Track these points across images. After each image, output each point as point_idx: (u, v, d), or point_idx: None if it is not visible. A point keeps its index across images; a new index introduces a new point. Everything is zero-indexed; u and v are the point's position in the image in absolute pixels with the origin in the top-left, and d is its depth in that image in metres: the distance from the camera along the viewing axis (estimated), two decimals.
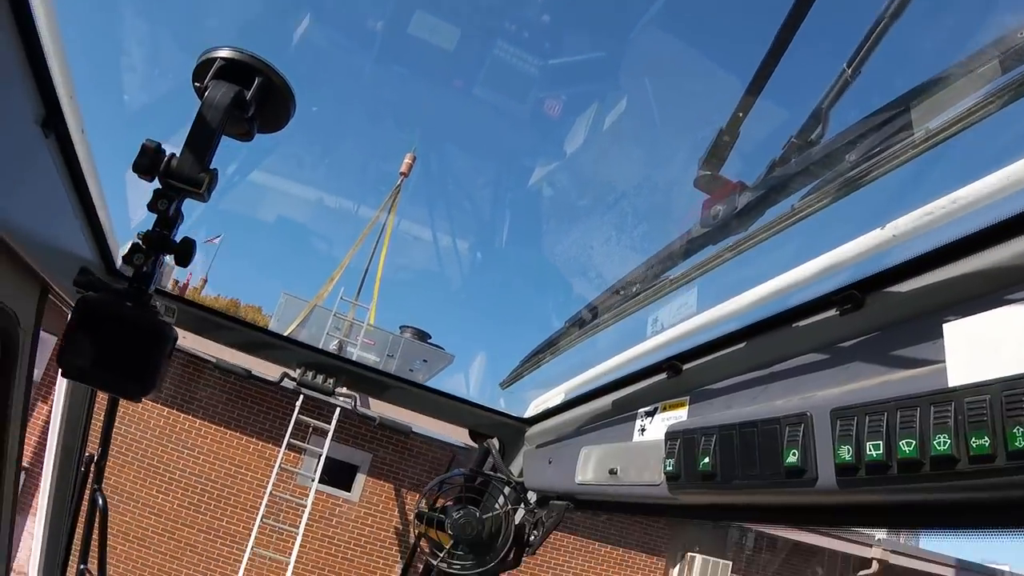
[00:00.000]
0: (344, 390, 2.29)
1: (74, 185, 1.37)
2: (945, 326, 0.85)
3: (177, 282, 12.00)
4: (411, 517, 2.20)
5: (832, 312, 1.05)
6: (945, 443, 0.77)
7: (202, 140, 1.01)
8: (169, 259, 1.08)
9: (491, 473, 2.24)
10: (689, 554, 10.05)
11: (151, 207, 1.04)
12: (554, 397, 2.03)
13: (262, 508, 8.30)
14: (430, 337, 10.07)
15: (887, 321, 0.99)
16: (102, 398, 2.26)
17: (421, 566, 2.40)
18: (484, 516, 2.06)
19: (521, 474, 2.19)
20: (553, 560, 9.55)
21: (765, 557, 10.71)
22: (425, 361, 9.61)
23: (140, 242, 1.06)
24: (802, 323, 1.12)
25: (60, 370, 1.05)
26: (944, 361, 0.83)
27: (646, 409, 1.53)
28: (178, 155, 1.01)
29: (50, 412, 2.29)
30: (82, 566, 2.41)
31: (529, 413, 2.19)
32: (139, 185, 1.05)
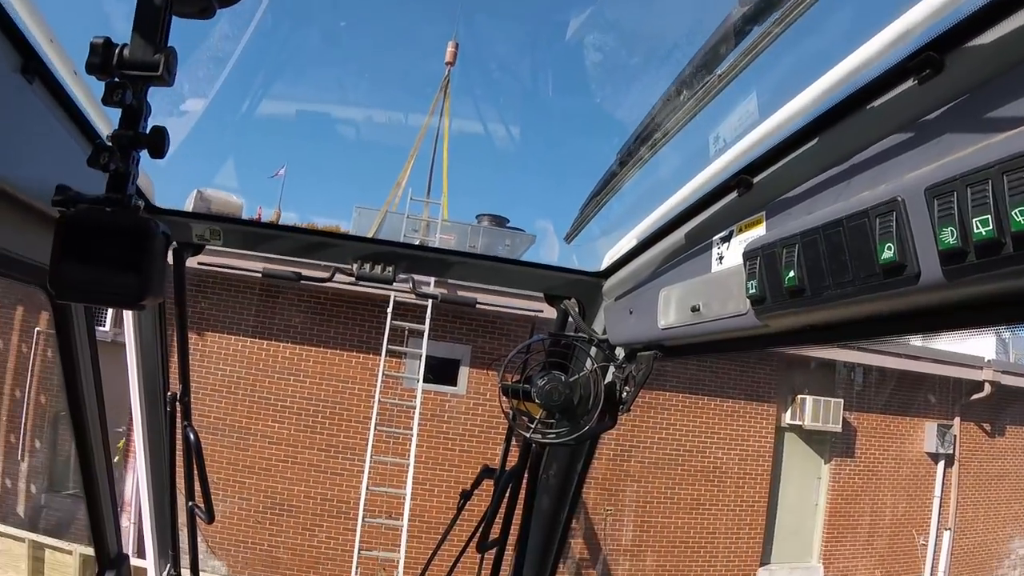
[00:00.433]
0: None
1: (77, 126, 1.35)
2: None
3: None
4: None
5: (910, 83, 0.91)
6: None
7: (149, 19, 0.94)
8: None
9: (573, 334, 2.14)
10: (799, 396, 9.98)
11: (106, 101, 0.97)
12: (625, 244, 1.91)
13: (374, 417, 8.51)
14: (508, 221, 10.07)
15: (973, 81, 0.85)
16: (172, 336, 2.27)
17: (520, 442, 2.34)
18: (571, 380, 1.96)
19: (604, 331, 2.08)
20: (658, 420, 9.60)
21: (875, 391, 10.57)
22: (507, 245, 9.63)
23: (106, 141, 1.00)
24: (877, 103, 0.98)
25: (54, 295, 1.01)
26: None
27: (721, 235, 1.40)
28: (128, 44, 0.95)
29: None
30: (190, 503, 2.45)
31: (603, 266, 2.07)
32: None
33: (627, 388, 1.92)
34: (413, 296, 8.45)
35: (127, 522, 8.51)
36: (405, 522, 8.30)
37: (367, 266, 2.03)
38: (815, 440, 10.35)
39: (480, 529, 2.40)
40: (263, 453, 8.97)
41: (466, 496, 2.45)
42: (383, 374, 8.65)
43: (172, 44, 0.96)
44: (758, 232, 1.25)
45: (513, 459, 2.43)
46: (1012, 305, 0.79)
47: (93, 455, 2.06)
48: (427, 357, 8.64)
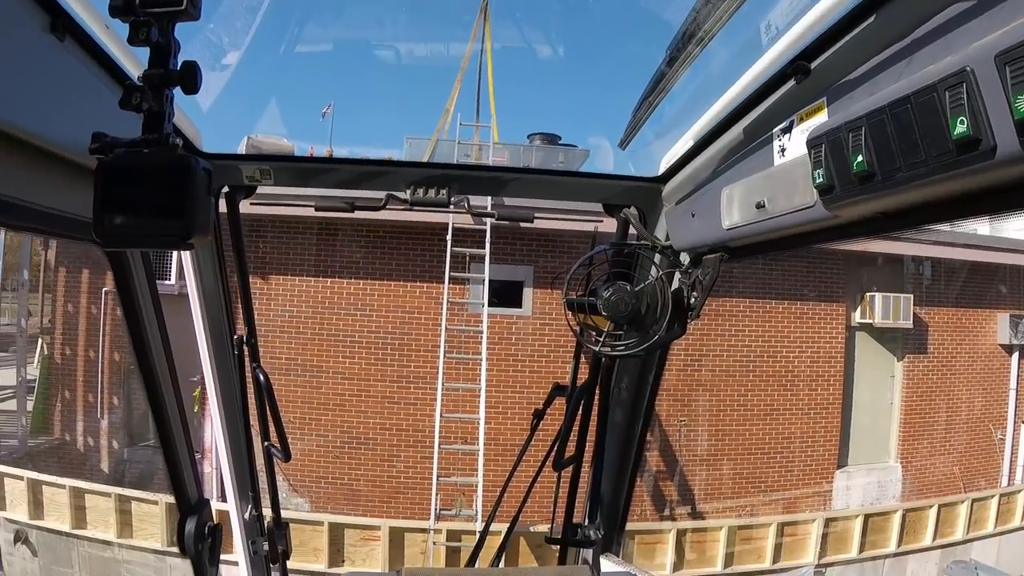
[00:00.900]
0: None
1: (114, 78, 1.31)
2: None
3: None
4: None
5: None
6: None
7: None
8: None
9: (635, 243, 2.05)
10: (868, 294, 9.81)
11: (132, 40, 0.95)
12: (682, 146, 1.82)
13: (442, 345, 8.60)
14: (560, 138, 9.94)
15: None
16: (233, 281, 2.26)
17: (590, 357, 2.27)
18: (636, 289, 1.88)
19: (667, 238, 2.00)
20: (727, 327, 9.53)
21: (944, 284, 10.36)
22: (561, 162, 9.53)
23: (137, 82, 0.98)
24: None
25: (101, 244, 0.98)
26: None
27: (781, 127, 1.32)
28: None
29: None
30: (266, 443, 2.47)
31: (661, 171, 1.98)
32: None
33: (694, 294, 1.87)
34: (471, 220, 8.48)
35: (209, 468, 8.73)
36: (481, 446, 8.41)
37: (421, 191, 1.98)
38: (886, 338, 10.20)
39: (555, 447, 2.40)
40: (336, 389, 9.12)
41: (539, 416, 2.45)
42: (448, 302, 8.69)
43: None
44: (820, 119, 1.20)
45: (583, 375, 2.40)
46: None
47: (165, 403, 2.07)
48: (490, 281, 8.66)
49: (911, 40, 1.00)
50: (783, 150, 1.32)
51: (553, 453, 2.39)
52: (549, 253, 8.99)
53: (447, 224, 8.51)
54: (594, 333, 1.96)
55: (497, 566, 2.87)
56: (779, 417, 9.69)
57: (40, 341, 11.40)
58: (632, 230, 2.09)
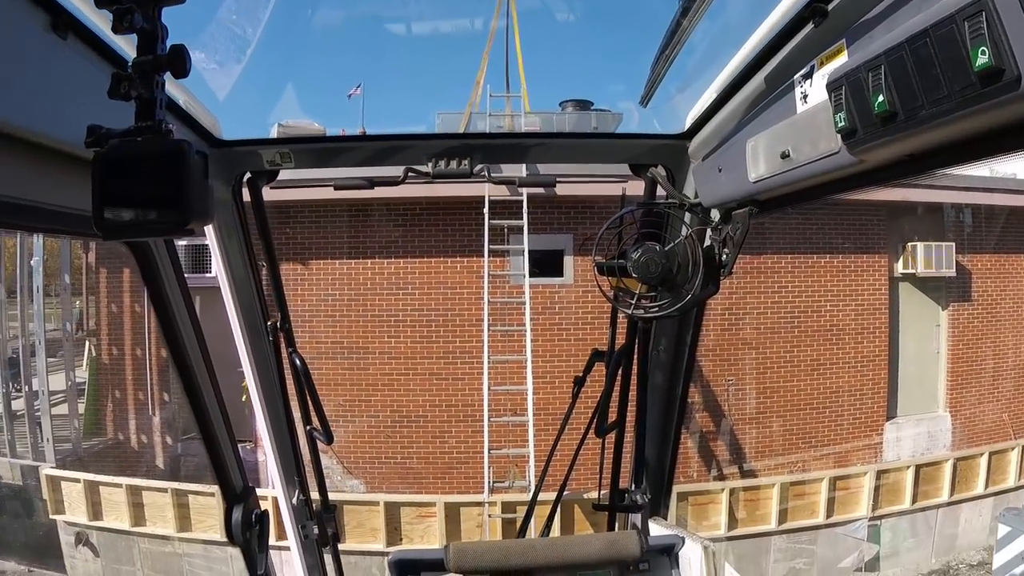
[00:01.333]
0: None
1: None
2: None
3: None
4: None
5: None
6: None
7: None
8: None
9: (664, 202, 2.01)
10: (909, 244, 9.74)
11: (116, 29, 0.93)
12: (705, 100, 1.78)
13: (486, 318, 8.63)
14: (592, 104, 9.95)
15: None
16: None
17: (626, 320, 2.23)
18: (667, 249, 1.85)
19: (695, 195, 1.96)
20: (769, 284, 9.50)
21: (985, 230, 10.26)
22: (595, 128, 9.53)
23: (125, 71, 0.97)
24: None
25: (101, 236, 0.98)
26: None
27: (802, 73, 1.29)
28: None
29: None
30: (308, 427, 2.48)
31: (686, 126, 1.94)
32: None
33: (726, 250, 1.82)
34: (507, 192, 8.50)
35: (262, 456, 8.82)
36: (531, 417, 8.43)
37: (442, 163, 1.96)
38: (930, 287, 10.12)
39: (597, 413, 2.39)
40: (384, 369, 9.20)
41: (579, 382, 2.44)
42: (489, 275, 8.72)
43: None
44: (840, 62, 1.16)
45: (621, 339, 2.38)
46: None
47: (202, 393, 2.07)
48: (530, 251, 8.67)
49: None
50: (805, 96, 1.30)
51: (596, 419, 2.39)
52: (587, 219, 8.99)
53: (483, 197, 8.54)
54: (627, 296, 1.94)
55: (547, 535, 2.82)
56: (826, 371, 9.66)
57: (87, 343, 11.60)
58: (660, 190, 2.07)
